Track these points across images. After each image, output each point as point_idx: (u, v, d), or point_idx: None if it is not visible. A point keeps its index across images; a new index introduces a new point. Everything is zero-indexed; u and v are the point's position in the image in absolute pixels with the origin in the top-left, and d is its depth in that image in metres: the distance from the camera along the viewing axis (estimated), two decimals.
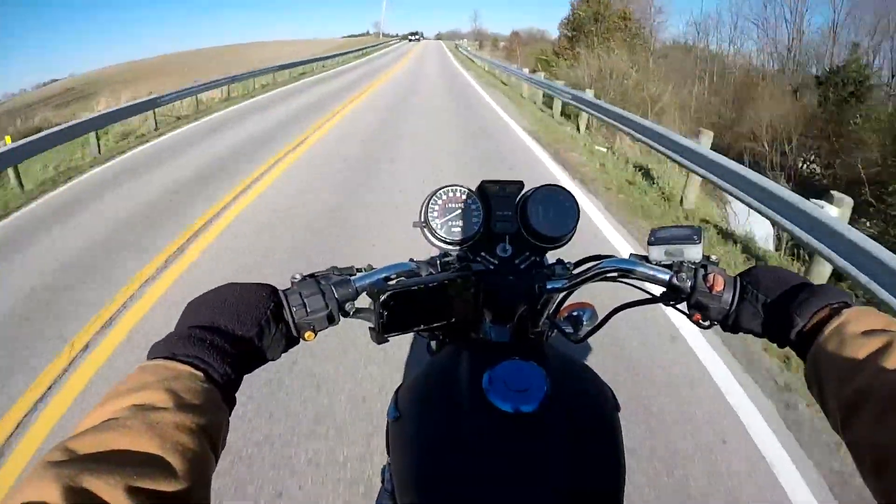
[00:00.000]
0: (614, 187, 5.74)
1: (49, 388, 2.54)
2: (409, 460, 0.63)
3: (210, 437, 0.46)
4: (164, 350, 0.51)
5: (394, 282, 0.68)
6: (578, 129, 9.19)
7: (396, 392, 0.73)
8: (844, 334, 0.52)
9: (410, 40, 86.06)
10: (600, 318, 0.88)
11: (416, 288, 0.62)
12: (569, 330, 0.89)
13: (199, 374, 0.49)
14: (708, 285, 0.67)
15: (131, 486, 0.36)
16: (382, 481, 0.98)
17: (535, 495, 0.54)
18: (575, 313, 0.91)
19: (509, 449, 0.57)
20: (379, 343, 0.63)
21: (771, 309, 0.62)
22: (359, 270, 0.69)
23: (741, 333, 0.67)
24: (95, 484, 0.35)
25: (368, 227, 4.42)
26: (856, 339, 0.50)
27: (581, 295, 0.83)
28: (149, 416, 0.42)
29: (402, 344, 2.52)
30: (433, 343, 0.86)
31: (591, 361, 2.52)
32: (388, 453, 0.73)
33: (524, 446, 0.57)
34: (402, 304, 0.62)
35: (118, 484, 0.35)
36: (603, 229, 4.47)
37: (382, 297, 0.59)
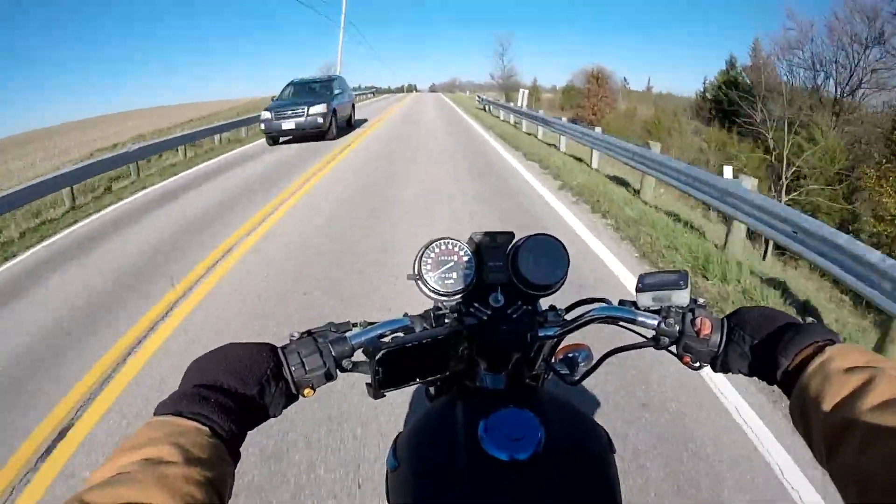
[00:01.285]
0: None
1: None
2: None
3: (217, 490, 0.47)
4: (170, 407, 0.52)
5: (388, 339, 0.69)
6: None
7: (395, 441, 0.73)
8: (828, 371, 0.53)
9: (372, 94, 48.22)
10: (595, 358, 0.88)
11: (410, 345, 0.63)
12: (564, 372, 0.89)
13: (206, 429, 0.51)
14: (696, 329, 0.68)
15: None
16: None
17: None
18: (571, 355, 0.92)
19: (506, 497, 0.57)
20: (376, 398, 0.64)
21: (758, 349, 0.63)
22: (355, 325, 0.70)
23: (732, 374, 0.67)
24: None
25: None
26: (839, 375, 0.51)
27: (577, 334, 0.84)
28: (158, 469, 0.43)
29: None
30: (431, 389, 0.87)
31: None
32: (389, 502, 0.73)
33: (520, 494, 0.57)
34: (397, 360, 0.63)
35: None
36: None
37: (378, 356, 0.61)
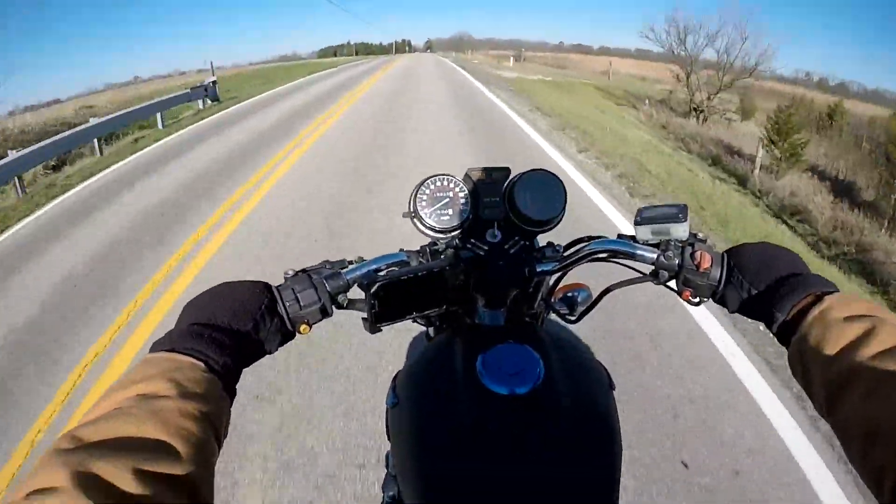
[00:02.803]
0: None
1: None
2: (408, 445, 0.63)
3: (213, 425, 0.47)
4: (165, 344, 0.52)
5: (384, 272, 0.67)
6: None
7: (395, 378, 0.72)
8: (828, 320, 0.52)
9: None
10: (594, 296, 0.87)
11: (406, 278, 0.61)
12: (564, 311, 0.88)
13: (201, 364, 0.50)
14: (695, 263, 0.66)
15: (138, 470, 0.36)
16: (387, 466, 0.97)
17: (531, 476, 0.53)
18: (570, 294, 0.91)
19: (505, 431, 0.56)
20: (372, 332, 0.63)
21: (756, 297, 0.62)
22: (350, 263, 0.69)
23: (728, 310, 0.66)
24: (103, 469, 0.35)
25: None
26: (839, 324, 0.50)
27: (576, 276, 0.83)
28: (153, 404, 0.43)
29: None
30: (430, 330, 0.86)
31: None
32: (389, 439, 0.73)
33: (519, 428, 0.56)
34: (393, 294, 0.61)
35: (125, 468, 0.36)
36: None
37: (373, 289, 0.59)
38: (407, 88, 15.58)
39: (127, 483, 0.35)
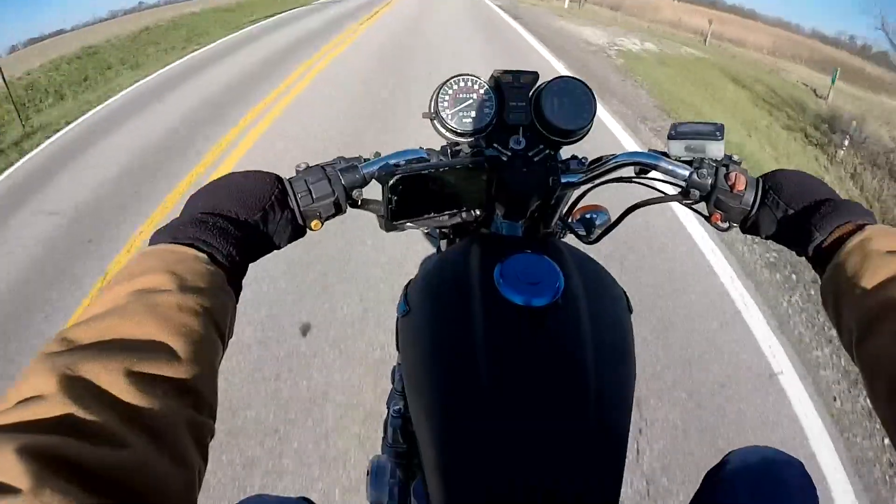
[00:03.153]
0: None
1: None
2: (420, 355, 0.61)
3: (216, 322, 0.43)
4: (166, 235, 0.48)
5: (404, 166, 0.64)
6: None
7: (406, 287, 0.70)
8: (867, 251, 0.48)
9: None
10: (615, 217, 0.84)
11: (426, 172, 0.57)
12: (581, 232, 0.85)
13: (204, 255, 0.46)
14: (729, 184, 0.62)
15: (132, 371, 0.34)
16: (393, 381, 0.97)
17: (546, 389, 0.52)
18: (588, 216, 0.88)
19: (521, 342, 0.54)
20: (388, 231, 0.60)
21: (791, 219, 0.58)
22: (367, 160, 0.65)
23: (761, 238, 0.63)
24: (93, 371, 0.33)
25: None
26: (880, 256, 0.47)
27: (595, 195, 0.79)
28: (150, 298, 0.39)
29: None
30: (443, 243, 0.84)
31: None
32: (398, 349, 0.72)
33: (536, 339, 0.55)
34: (411, 190, 0.58)
35: (117, 369, 0.33)
36: None
37: (392, 181, 0.56)
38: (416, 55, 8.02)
39: (118, 385, 0.32)
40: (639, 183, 0.73)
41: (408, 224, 0.60)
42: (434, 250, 0.90)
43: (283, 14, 13.59)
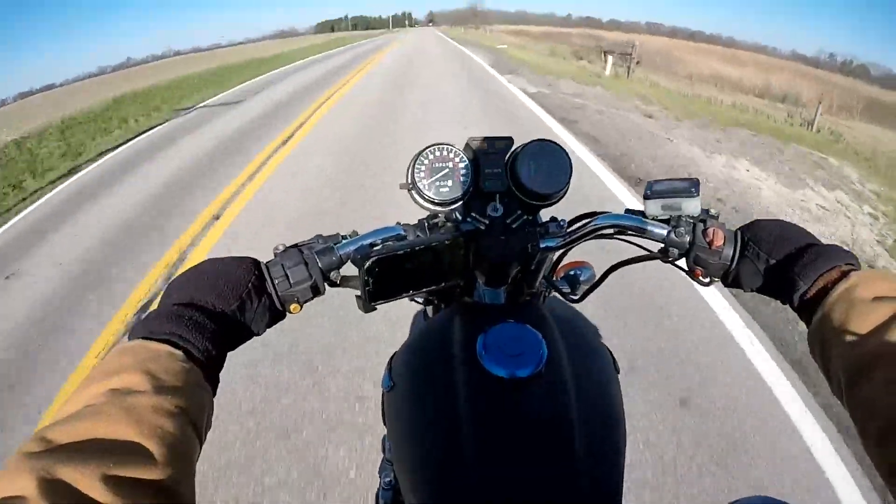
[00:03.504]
0: None
1: None
2: (405, 430, 0.61)
3: (192, 421, 0.43)
4: (142, 330, 0.48)
5: (379, 247, 0.64)
6: None
7: (390, 361, 0.70)
8: (853, 298, 0.49)
9: None
10: (598, 276, 0.85)
11: (402, 252, 0.58)
12: (566, 289, 0.86)
13: (179, 353, 0.47)
14: (707, 240, 0.63)
15: (108, 475, 0.34)
16: (384, 451, 0.96)
17: (533, 461, 0.51)
18: (572, 272, 0.88)
19: (505, 415, 0.54)
20: (366, 311, 0.59)
21: (774, 269, 0.59)
22: (344, 237, 0.65)
23: (744, 291, 0.63)
24: (71, 474, 0.33)
25: None
26: (865, 304, 0.48)
27: (578, 255, 0.80)
28: (126, 400, 0.40)
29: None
30: (428, 309, 0.84)
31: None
32: (385, 423, 0.71)
33: (521, 412, 0.54)
34: (389, 270, 0.58)
35: (94, 473, 0.34)
36: None
37: (367, 264, 0.56)
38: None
39: (96, 489, 0.33)
40: (620, 239, 0.73)
41: (387, 303, 0.60)
42: (418, 310, 0.90)
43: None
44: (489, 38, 33.94)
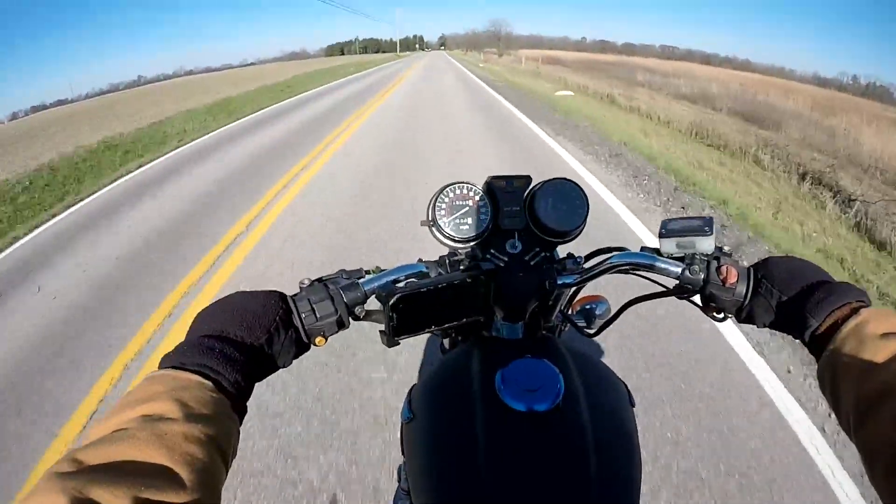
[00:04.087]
0: None
1: None
2: (424, 462, 0.63)
3: (220, 448, 0.45)
4: (173, 360, 0.50)
5: (403, 284, 0.67)
6: None
7: (410, 393, 0.72)
8: (863, 335, 0.51)
9: None
10: (613, 310, 0.87)
11: (425, 290, 0.61)
12: (582, 323, 0.88)
13: (209, 383, 0.49)
14: (721, 278, 0.66)
15: (139, 498, 0.36)
16: (398, 480, 0.98)
17: (550, 495, 0.53)
18: (588, 306, 0.91)
19: (524, 449, 0.56)
20: (390, 346, 0.62)
21: (786, 305, 0.61)
22: (367, 272, 0.69)
23: (757, 327, 0.66)
24: (102, 495, 0.34)
25: None
26: (875, 340, 0.50)
27: (594, 286, 0.82)
28: (157, 426, 0.42)
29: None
30: (445, 341, 0.86)
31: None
32: (403, 454, 0.73)
33: (538, 446, 0.56)
34: (411, 306, 0.61)
35: (125, 495, 0.35)
36: None
37: (392, 301, 0.59)
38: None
39: None
40: (635, 275, 0.76)
41: (410, 337, 0.63)
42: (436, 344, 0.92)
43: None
44: (525, 74, 24.61)
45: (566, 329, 0.86)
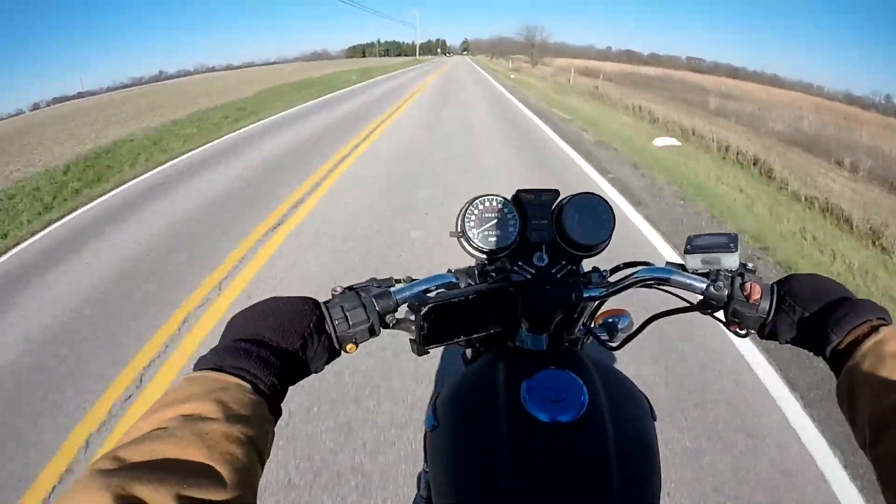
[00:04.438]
0: None
1: None
2: (447, 470, 0.64)
3: (257, 448, 0.47)
4: (211, 362, 0.52)
5: (433, 294, 0.69)
6: None
7: (434, 400, 0.74)
8: (882, 353, 0.53)
9: None
10: (636, 324, 0.88)
11: (456, 300, 0.63)
12: (604, 337, 0.90)
13: (247, 385, 0.51)
14: (745, 294, 0.67)
15: (181, 495, 0.37)
16: (418, 487, 1.00)
17: None
18: (611, 320, 0.92)
19: (547, 459, 0.57)
20: (420, 354, 0.64)
21: (808, 322, 0.63)
22: (398, 281, 0.71)
23: (779, 343, 0.67)
24: (145, 492, 0.35)
25: None
26: (894, 359, 0.51)
27: (617, 300, 0.84)
28: (198, 426, 0.43)
29: None
30: (468, 351, 0.88)
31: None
32: (426, 461, 0.75)
33: (562, 457, 0.58)
34: (442, 316, 0.63)
35: (168, 492, 0.36)
36: None
37: (423, 310, 0.61)
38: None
39: None
40: (659, 289, 0.78)
41: (439, 347, 0.65)
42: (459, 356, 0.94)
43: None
44: (577, 93, 19.03)
45: (588, 341, 0.88)
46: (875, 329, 0.56)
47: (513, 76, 29.48)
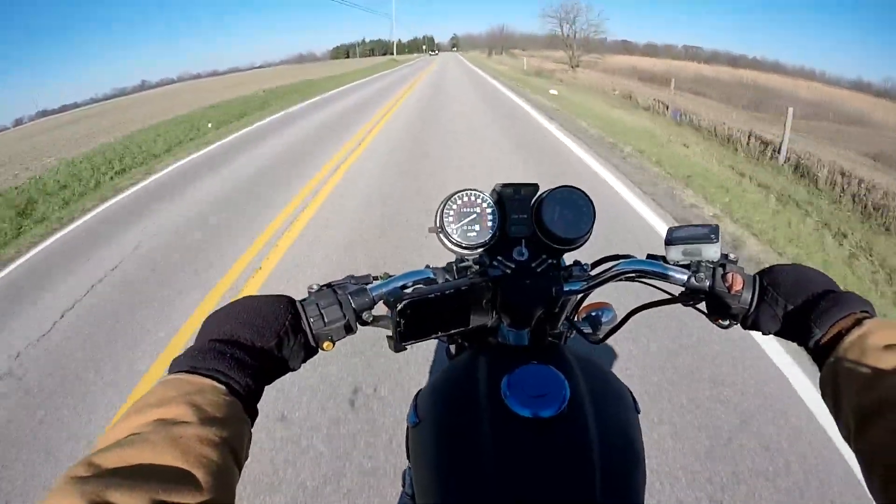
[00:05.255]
0: None
1: None
2: (429, 466, 0.65)
3: (233, 450, 0.48)
4: (184, 364, 0.53)
5: (410, 290, 0.70)
6: None
7: (416, 397, 0.75)
8: (865, 346, 0.54)
9: None
10: (619, 318, 0.90)
11: (432, 296, 0.63)
12: (587, 330, 0.91)
13: (221, 387, 0.51)
14: (727, 285, 0.69)
15: (156, 500, 0.37)
16: (403, 485, 1.01)
17: (554, 500, 0.55)
18: (594, 313, 0.93)
19: (528, 454, 0.58)
20: (397, 351, 0.65)
21: (791, 314, 0.64)
22: (375, 278, 0.72)
23: (762, 334, 0.68)
24: (120, 499, 0.36)
25: None
26: (877, 351, 0.52)
27: (600, 294, 0.85)
28: (172, 430, 0.44)
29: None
30: (452, 347, 0.89)
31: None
32: (409, 458, 0.76)
33: (543, 451, 0.58)
34: (419, 312, 0.63)
35: (143, 498, 0.37)
36: None
37: (399, 306, 0.61)
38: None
39: None
40: (641, 282, 0.79)
41: (417, 343, 0.67)
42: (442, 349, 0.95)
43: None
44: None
45: (572, 335, 0.89)
46: (858, 322, 0.57)
47: (552, 91, 16.28)
